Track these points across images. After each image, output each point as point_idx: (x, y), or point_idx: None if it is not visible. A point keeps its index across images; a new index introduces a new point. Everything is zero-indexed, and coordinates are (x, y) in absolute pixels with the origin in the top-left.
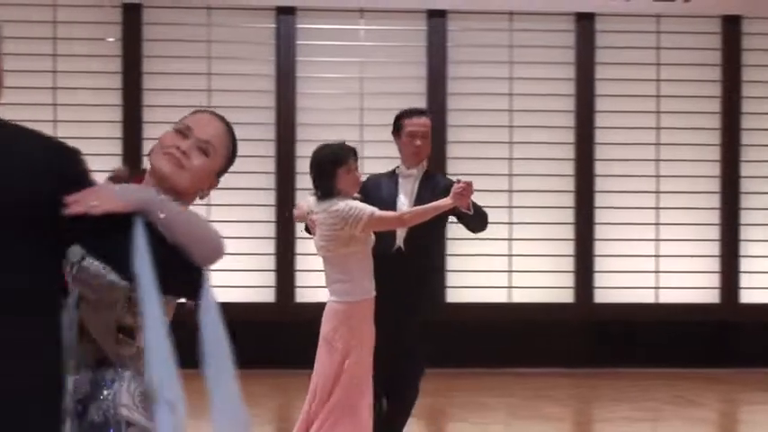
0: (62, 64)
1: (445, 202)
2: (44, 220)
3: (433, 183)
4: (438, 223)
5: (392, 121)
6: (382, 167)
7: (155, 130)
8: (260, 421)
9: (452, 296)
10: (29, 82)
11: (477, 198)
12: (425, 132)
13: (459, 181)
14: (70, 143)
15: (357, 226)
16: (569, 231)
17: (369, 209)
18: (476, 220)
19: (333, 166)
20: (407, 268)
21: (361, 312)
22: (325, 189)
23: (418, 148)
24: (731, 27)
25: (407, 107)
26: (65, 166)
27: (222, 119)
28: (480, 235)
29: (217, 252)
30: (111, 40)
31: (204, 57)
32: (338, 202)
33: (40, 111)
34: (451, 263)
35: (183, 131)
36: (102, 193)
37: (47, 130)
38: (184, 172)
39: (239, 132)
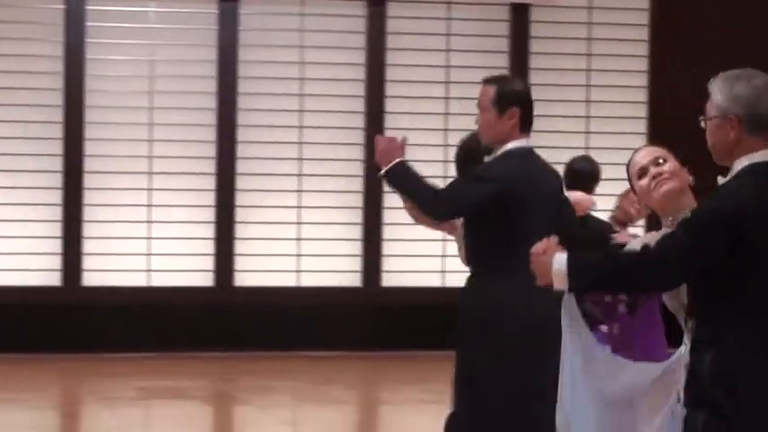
0: None
1: None
2: None
3: None
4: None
5: (183, 106)
6: (174, 152)
7: None
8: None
9: (240, 280)
10: None
11: (266, 182)
12: (479, 105)
13: None
14: None
15: None
16: (357, 216)
17: None
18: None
19: None
20: None
21: None
22: None
23: (476, 124)
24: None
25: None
26: None
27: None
28: (269, 218)
29: None
30: None
31: None
32: None
33: None
34: (239, 246)
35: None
36: None
37: None
38: None
39: (24, 114)
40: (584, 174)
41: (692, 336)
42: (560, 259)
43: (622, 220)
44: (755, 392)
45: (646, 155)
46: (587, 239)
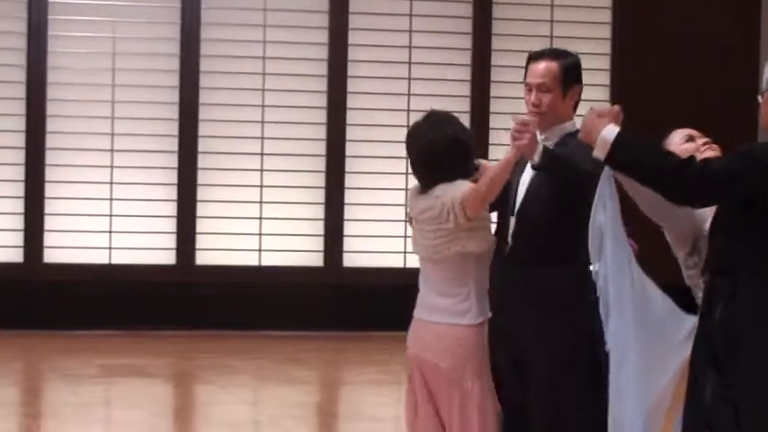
0: None
1: (508, 153)
2: None
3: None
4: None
5: (146, 83)
6: (136, 129)
7: None
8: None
9: (202, 258)
10: None
11: (229, 161)
12: (542, 84)
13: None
14: None
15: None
16: (320, 195)
17: None
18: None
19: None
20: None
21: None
22: None
23: (534, 106)
24: None
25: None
26: None
27: None
28: (231, 197)
29: None
30: None
31: None
32: None
33: None
34: (201, 225)
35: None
36: None
37: None
38: None
39: None
40: None
41: (705, 289)
42: (611, 129)
43: None
44: (758, 351)
45: (690, 131)
46: None
